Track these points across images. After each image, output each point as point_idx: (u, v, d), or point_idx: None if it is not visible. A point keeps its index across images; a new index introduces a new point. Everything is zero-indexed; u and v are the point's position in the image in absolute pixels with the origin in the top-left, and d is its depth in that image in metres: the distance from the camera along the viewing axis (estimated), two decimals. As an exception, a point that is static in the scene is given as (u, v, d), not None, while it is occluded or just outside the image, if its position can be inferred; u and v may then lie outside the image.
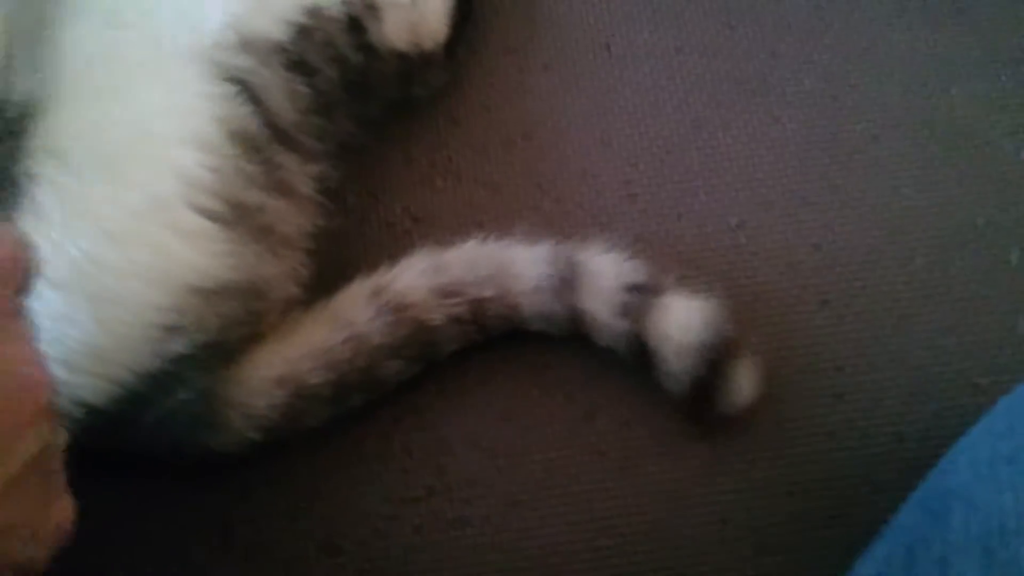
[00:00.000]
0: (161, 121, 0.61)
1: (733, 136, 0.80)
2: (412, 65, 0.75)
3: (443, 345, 0.69)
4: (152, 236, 0.60)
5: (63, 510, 0.50)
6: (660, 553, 0.69)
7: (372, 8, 0.71)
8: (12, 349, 0.44)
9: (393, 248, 0.76)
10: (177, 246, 0.60)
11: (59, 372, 0.58)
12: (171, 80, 0.62)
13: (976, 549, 0.47)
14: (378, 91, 0.74)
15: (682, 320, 0.67)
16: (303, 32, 0.67)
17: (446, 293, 0.67)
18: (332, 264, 0.74)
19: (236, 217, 0.62)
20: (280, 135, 0.65)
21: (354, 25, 0.70)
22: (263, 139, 0.64)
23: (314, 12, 0.68)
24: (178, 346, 0.60)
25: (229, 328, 0.63)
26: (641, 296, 0.67)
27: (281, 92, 0.66)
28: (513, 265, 0.68)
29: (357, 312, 0.67)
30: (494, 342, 0.72)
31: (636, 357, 0.68)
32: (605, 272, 0.68)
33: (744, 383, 0.68)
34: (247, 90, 0.63)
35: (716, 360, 0.67)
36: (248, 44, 0.64)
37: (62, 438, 0.49)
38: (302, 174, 0.67)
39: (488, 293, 0.68)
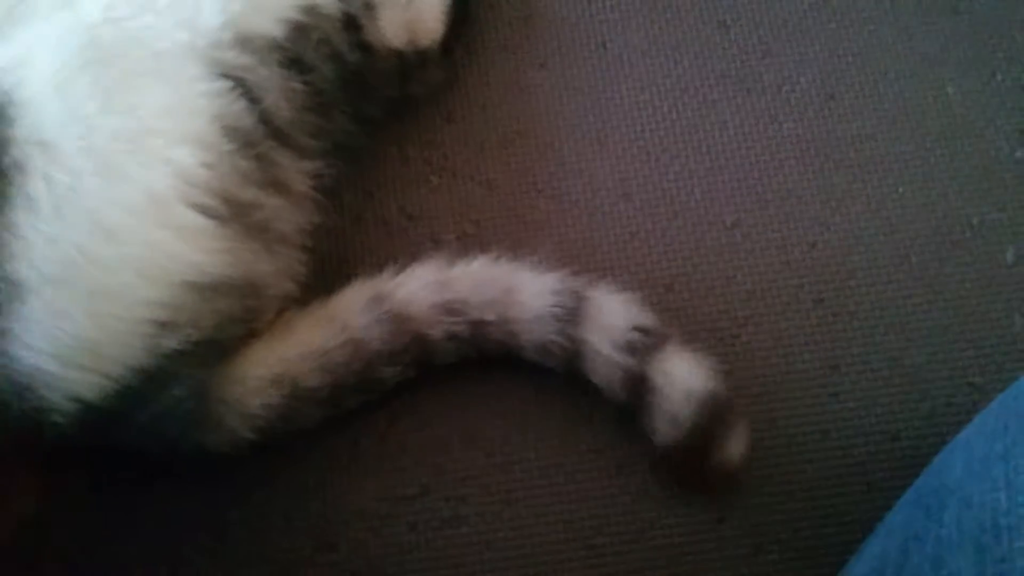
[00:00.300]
0: (156, 117, 0.61)
1: (728, 135, 0.80)
2: (408, 63, 0.75)
3: (439, 357, 0.69)
4: (147, 231, 0.60)
5: None
6: (656, 552, 0.69)
7: (368, 6, 0.72)
8: None
9: (389, 246, 0.77)
10: (172, 242, 0.60)
11: (53, 366, 0.58)
12: (167, 76, 0.62)
13: (969, 546, 0.47)
14: (374, 89, 0.74)
15: (691, 367, 0.67)
16: (299, 30, 0.67)
17: (448, 310, 0.67)
18: (328, 261, 0.74)
19: (232, 214, 0.62)
20: (276, 132, 0.65)
21: (350, 23, 0.70)
22: (259, 136, 0.64)
23: (310, 10, 0.68)
24: (172, 342, 0.60)
25: (224, 325, 0.63)
26: (648, 338, 0.67)
27: (277, 89, 0.65)
28: (519, 292, 0.68)
29: (356, 316, 0.67)
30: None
31: (630, 395, 0.68)
32: (613, 310, 0.68)
33: (740, 442, 0.68)
34: (243, 87, 0.63)
35: (719, 413, 0.66)
36: (245, 41, 0.64)
37: None
38: (298, 171, 0.67)
39: (490, 317, 0.67)
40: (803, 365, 0.74)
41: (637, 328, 0.67)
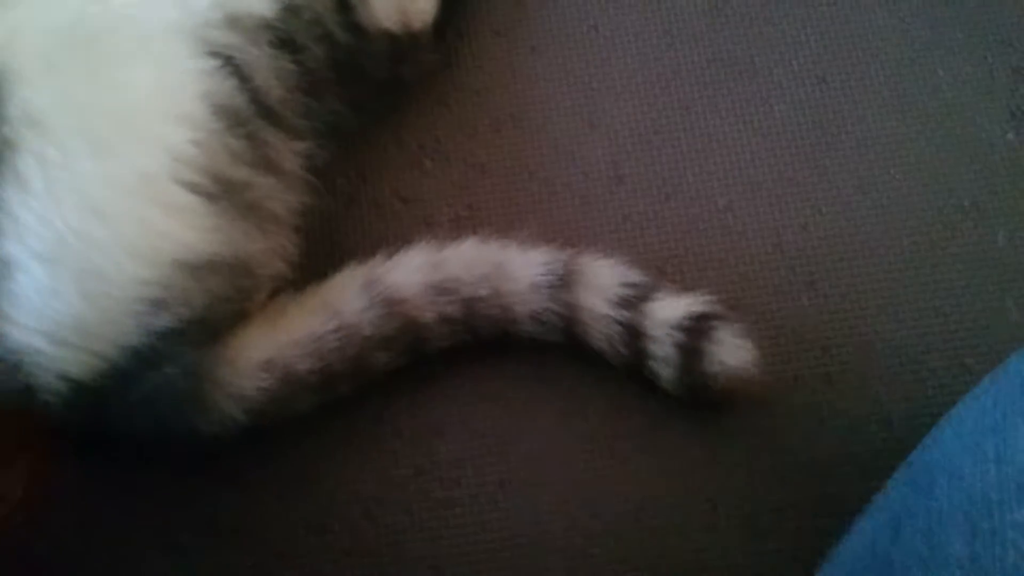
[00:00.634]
0: (146, 95, 0.61)
1: (721, 118, 0.80)
2: (401, 46, 0.75)
3: (432, 342, 0.69)
4: (138, 210, 0.60)
5: None
6: (649, 536, 0.69)
7: (361, -13, 0.71)
8: None
9: (382, 229, 0.77)
10: (163, 220, 0.60)
11: (43, 345, 0.58)
12: (158, 55, 0.62)
13: (959, 518, 0.47)
14: (366, 71, 0.74)
15: (672, 304, 0.68)
16: (291, 10, 0.67)
17: (440, 290, 0.67)
18: (321, 245, 0.74)
19: (222, 192, 0.62)
20: (267, 112, 0.65)
21: (343, 4, 0.70)
22: (249, 115, 0.64)
23: (302, -10, 0.68)
24: (164, 321, 0.60)
25: (216, 304, 0.63)
26: (637, 291, 0.68)
27: (268, 69, 0.65)
28: (510, 265, 0.68)
29: (348, 301, 0.67)
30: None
31: (630, 350, 0.68)
32: (602, 271, 0.68)
33: (736, 348, 0.68)
34: (233, 66, 0.63)
35: (702, 329, 0.67)
36: (235, 21, 0.64)
37: None
38: (289, 151, 0.67)
39: (482, 292, 0.67)
40: (795, 347, 0.74)
41: (627, 283, 0.68)
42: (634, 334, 0.67)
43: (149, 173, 0.60)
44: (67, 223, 0.58)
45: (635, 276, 0.69)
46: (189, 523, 0.69)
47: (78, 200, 0.59)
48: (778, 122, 0.80)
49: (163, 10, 0.62)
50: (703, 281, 0.75)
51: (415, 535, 0.69)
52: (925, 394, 0.72)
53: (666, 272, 0.75)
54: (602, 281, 0.68)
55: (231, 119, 0.62)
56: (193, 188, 0.60)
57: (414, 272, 0.68)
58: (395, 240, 0.74)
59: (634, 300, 0.67)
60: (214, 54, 0.63)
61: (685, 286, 0.74)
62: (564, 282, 0.68)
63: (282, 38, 0.66)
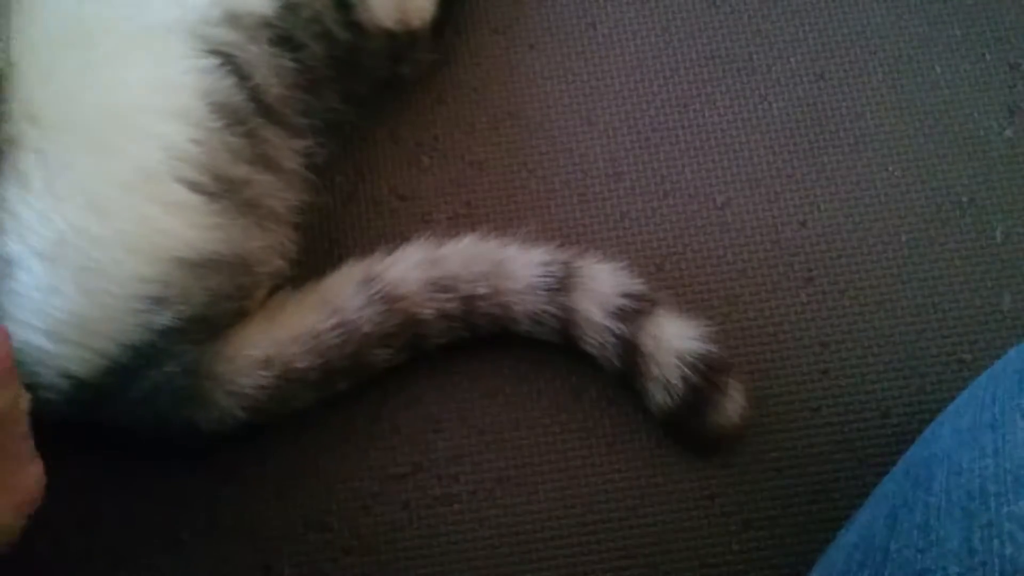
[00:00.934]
0: (147, 93, 0.61)
1: (719, 115, 0.80)
2: (399, 43, 0.75)
3: (431, 339, 0.69)
4: (138, 207, 0.60)
5: (29, 476, 0.50)
6: (647, 528, 0.69)
7: (359, -15, 0.72)
8: None
9: (380, 226, 0.77)
10: (163, 218, 0.60)
11: (44, 342, 0.58)
12: (157, 53, 0.62)
13: (957, 511, 0.47)
14: (365, 69, 0.74)
15: (680, 331, 0.67)
16: (290, 8, 0.67)
17: (439, 287, 0.67)
18: (320, 242, 0.75)
19: (222, 190, 0.62)
20: (265, 110, 0.65)
21: (341, 2, 0.70)
22: (248, 113, 0.64)
23: (301, -12, 0.68)
24: (164, 319, 0.60)
25: (215, 302, 0.63)
26: (637, 303, 0.67)
27: (267, 67, 0.65)
28: (509, 264, 0.68)
29: (347, 298, 0.67)
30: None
31: (623, 362, 0.68)
32: (602, 277, 0.68)
33: (737, 403, 0.68)
34: (233, 64, 0.63)
35: (711, 375, 0.67)
36: (234, 18, 0.64)
37: (24, 402, 0.49)
38: (288, 149, 0.67)
39: (481, 290, 0.67)
40: (793, 343, 0.74)
41: (626, 294, 0.67)
42: (630, 349, 0.67)
43: (149, 171, 0.60)
44: (67, 221, 0.58)
45: (636, 286, 0.69)
46: (189, 520, 0.69)
47: (78, 198, 0.59)
48: (776, 119, 0.80)
49: (163, 8, 0.63)
50: (701, 278, 0.75)
51: (414, 531, 0.69)
52: (923, 389, 0.73)
53: (664, 268, 0.75)
54: (601, 288, 0.68)
55: (230, 117, 0.62)
56: (193, 186, 0.60)
57: (413, 268, 0.68)
58: (393, 237, 0.75)
59: (633, 313, 0.67)
60: (213, 52, 0.63)
61: (683, 283, 0.75)
62: (563, 285, 0.68)
63: (281, 36, 0.66)
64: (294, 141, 0.67)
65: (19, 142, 0.58)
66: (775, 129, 0.80)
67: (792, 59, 0.82)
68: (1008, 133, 0.80)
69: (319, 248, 0.74)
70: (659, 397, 0.67)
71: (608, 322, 0.67)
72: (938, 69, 0.82)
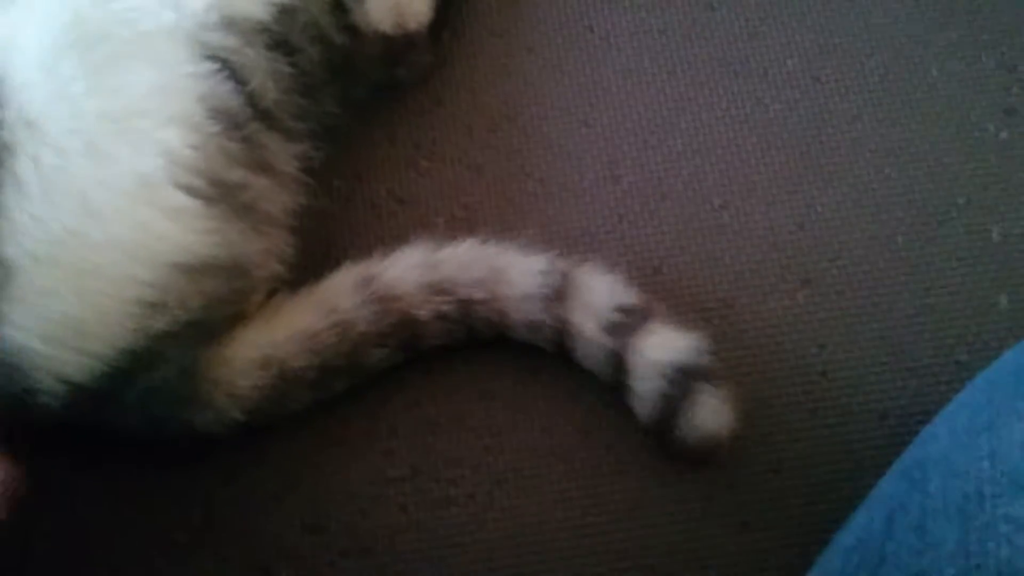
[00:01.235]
0: (143, 98, 0.61)
1: (716, 117, 0.80)
2: (396, 47, 0.76)
3: (428, 339, 0.69)
4: (135, 212, 0.60)
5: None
6: (645, 529, 0.69)
7: (356, -10, 0.72)
8: None
9: (378, 230, 0.77)
10: (160, 223, 0.60)
11: (40, 347, 0.58)
12: (154, 58, 0.62)
13: (953, 513, 0.47)
14: (362, 72, 0.74)
15: (661, 344, 0.67)
16: (286, 12, 0.67)
17: (436, 290, 0.67)
18: (317, 246, 0.74)
19: (219, 194, 0.62)
20: (263, 114, 0.65)
21: (338, 6, 0.71)
22: (245, 117, 0.64)
23: (297, -7, 0.68)
24: (160, 323, 0.60)
25: (212, 306, 0.63)
26: (630, 318, 0.67)
27: (264, 72, 0.66)
28: (507, 271, 0.68)
29: (344, 298, 0.67)
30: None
31: (613, 376, 0.68)
32: (598, 289, 0.68)
33: (714, 413, 0.67)
34: (229, 69, 0.63)
35: (686, 384, 0.66)
36: (231, 23, 0.64)
37: None
38: (285, 153, 0.67)
39: (478, 295, 0.67)
40: (791, 345, 0.74)
41: (620, 308, 0.67)
42: (619, 365, 0.67)
43: (146, 176, 0.60)
44: (64, 225, 0.58)
45: (631, 298, 0.68)
46: (186, 523, 0.69)
47: (75, 203, 0.59)
48: (773, 121, 0.80)
49: (160, 13, 0.63)
50: (698, 280, 0.76)
51: (412, 533, 0.69)
52: (919, 390, 0.73)
53: (662, 271, 0.76)
54: (597, 300, 0.68)
55: (227, 121, 0.62)
56: (190, 190, 0.61)
57: (411, 270, 0.68)
58: (391, 240, 0.75)
59: (625, 327, 0.67)
60: (211, 57, 0.63)
61: (681, 285, 0.75)
62: (559, 295, 0.67)
63: (278, 40, 0.66)
64: (291, 145, 0.68)
65: (16, 147, 0.58)
66: (772, 131, 0.80)
67: (789, 61, 0.82)
68: (1004, 135, 0.80)
69: (316, 251, 0.74)
70: (639, 408, 0.68)
71: (600, 336, 0.67)
72: (934, 71, 0.82)
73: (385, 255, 0.70)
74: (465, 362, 0.72)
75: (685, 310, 0.74)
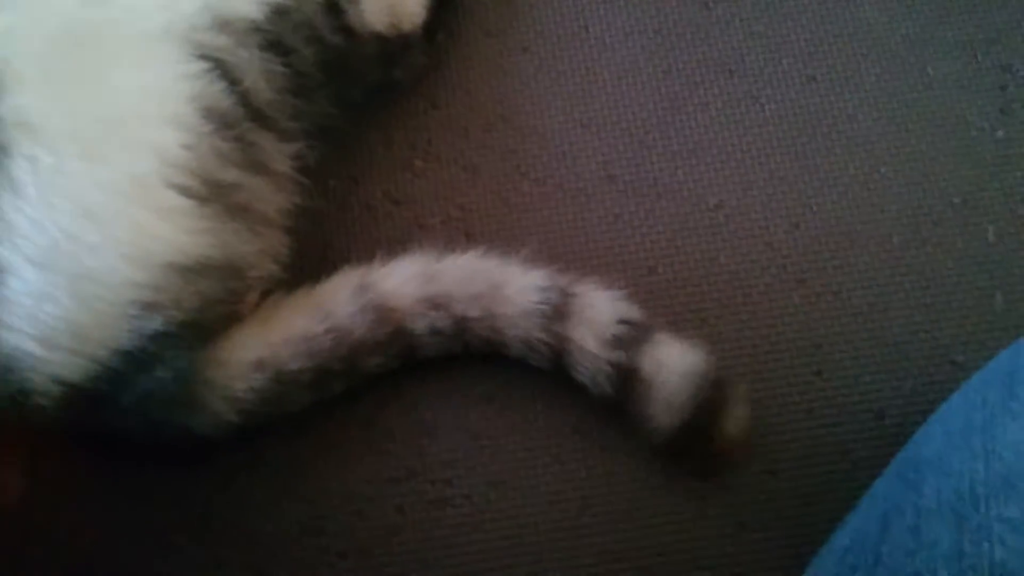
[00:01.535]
0: (137, 99, 0.61)
1: (711, 117, 0.80)
2: (391, 47, 0.75)
3: (422, 350, 0.69)
4: (129, 213, 0.60)
5: None
6: (641, 531, 0.69)
7: (350, -9, 0.72)
8: None
9: (374, 231, 0.77)
10: (154, 223, 0.60)
11: (36, 348, 0.58)
12: (147, 58, 0.62)
13: (948, 514, 0.47)
14: (357, 73, 0.74)
15: (682, 353, 0.67)
16: (280, 12, 0.67)
17: (432, 304, 0.67)
18: (313, 246, 0.74)
19: (212, 195, 0.62)
20: (256, 114, 0.65)
21: (332, 6, 0.70)
22: (239, 117, 0.64)
23: (290, -7, 0.68)
24: (156, 324, 0.60)
25: (208, 306, 0.63)
26: (634, 330, 0.67)
27: (257, 72, 0.65)
28: (505, 287, 0.68)
29: (341, 304, 0.67)
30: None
31: (618, 390, 0.67)
32: (598, 305, 0.68)
33: (740, 419, 0.68)
34: (222, 69, 0.63)
35: (714, 393, 0.67)
36: (224, 24, 0.64)
37: None
38: (279, 153, 0.67)
39: (474, 313, 0.67)
40: (786, 344, 0.74)
41: (623, 321, 0.67)
42: (629, 376, 0.66)
43: (140, 176, 0.60)
44: (59, 227, 0.58)
45: (632, 312, 0.68)
46: (183, 525, 0.69)
47: (70, 204, 0.59)
48: (768, 121, 0.80)
49: (153, 14, 0.62)
50: (694, 280, 0.76)
51: (408, 535, 0.69)
52: (915, 390, 0.73)
53: (657, 271, 0.76)
54: (598, 316, 0.67)
55: (221, 122, 0.62)
56: (184, 191, 0.60)
57: (408, 281, 0.68)
58: (387, 242, 0.75)
59: (630, 340, 0.66)
60: (204, 57, 0.63)
61: (676, 286, 0.75)
62: (558, 313, 0.67)
63: (271, 41, 0.66)
64: (285, 145, 0.67)
65: (11, 148, 0.58)
66: (767, 131, 0.80)
67: (784, 61, 0.82)
68: (1000, 134, 0.80)
69: (312, 252, 0.74)
70: (663, 418, 0.67)
71: (604, 351, 0.66)
72: (930, 70, 0.82)
73: (384, 260, 0.70)
74: (462, 366, 0.72)
75: (680, 310, 0.75)
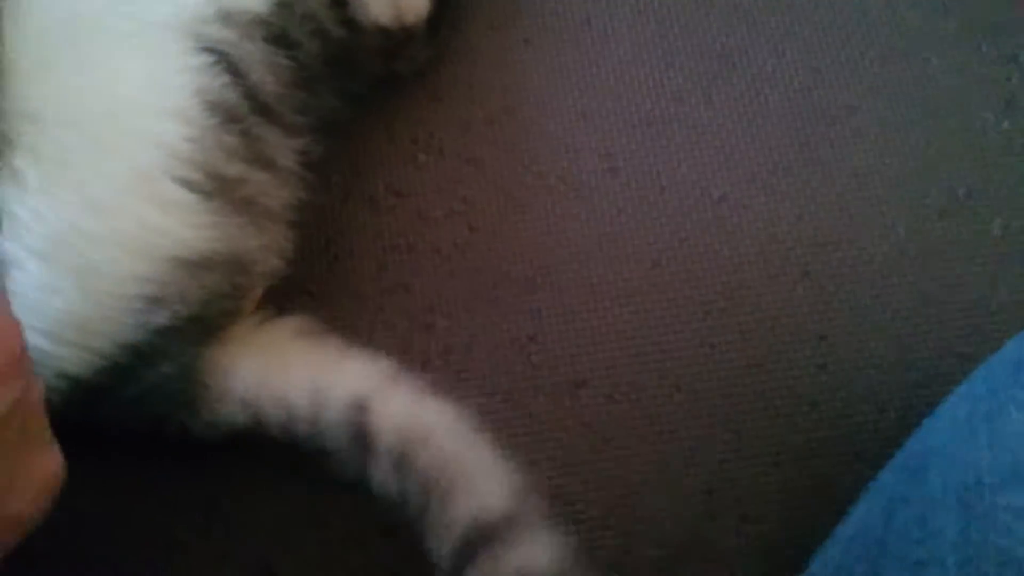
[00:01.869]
0: (142, 92, 0.61)
1: (714, 109, 0.80)
2: (394, 40, 0.75)
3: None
4: (134, 207, 0.60)
5: (48, 464, 0.50)
6: (645, 524, 0.69)
7: (354, -17, 0.71)
8: None
9: (377, 224, 0.77)
10: (159, 217, 0.60)
11: (41, 342, 0.58)
12: (151, 51, 0.62)
13: (953, 503, 0.47)
14: (360, 66, 0.74)
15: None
16: (284, 5, 0.66)
17: (406, 447, 0.63)
18: (316, 240, 0.75)
19: (217, 189, 0.62)
20: (261, 108, 0.65)
21: (336, -1, 0.70)
22: (243, 111, 0.63)
23: (295, -15, 0.68)
24: (160, 318, 0.60)
25: (212, 301, 0.63)
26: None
27: (262, 65, 0.65)
28: (472, 480, 0.63)
29: (332, 408, 0.64)
30: (479, 314, 0.73)
31: None
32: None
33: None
34: (227, 62, 0.63)
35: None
36: (229, 16, 0.64)
37: (38, 391, 0.49)
38: (284, 147, 0.67)
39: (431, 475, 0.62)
40: (790, 337, 0.74)
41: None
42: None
43: (144, 170, 0.60)
44: (64, 220, 0.58)
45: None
46: (187, 518, 0.69)
47: (74, 197, 0.59)
48: (772, 112, 0.80)
49: (157, 6, 0.62)
50: (698, 273, 0.75)
51: (410, 530, 0.69)
52: (920, 382, 0.73)
53: (660, 263, 0.75)
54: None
55: (225, 115, 0.62)
56: (188, 184, 0.60)
57: (402, 419, 0.64)
58: (390, 235, 0.75)
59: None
60: (208, 50, 0.63)
61: (680, 278, 0.75)
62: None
63: (276, 33, 0.66)
64: (290, 139, 0.67)
65: (14, 140, 0.58)
66: (771, 123, 0.80)
67: (787, 52, 0.82)
68: (1005, 125, 0.80)
69: (315, 246, 0.74)
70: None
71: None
72: (934, 61, 0.82)
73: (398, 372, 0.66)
74: (465, 354, 0.72)
75: (685, 303, 0.75)
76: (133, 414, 0.63)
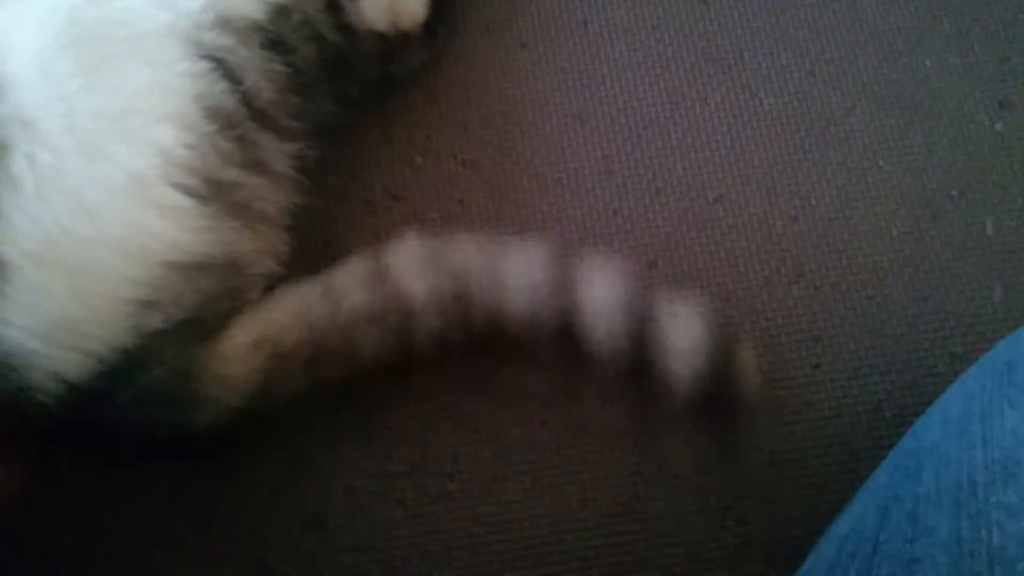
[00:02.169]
0: (138, 97, 0.61)
1: (710, 111, 0.81)
2: (390, 45, 0.76)
3: (420, 332, 0.67)
4: (129, 211, 0.60)
5: None
6: (642, 524, 0.70)
7: (350, -12, 0.72)
8: None
9: (374, 226, 0.77)
10: (154, 221, 0.60)
11: (35, 345, 0.58)
12: (148, 56, 0.62)
13: (946, 502, 0.47)
14: (357, 70, 0.74)
15: (692, 318, 0.67)
16: (281, 11, 0.67)
17: (437, 279, 0.66)
18: (313, 243, 0.75)
19: (213, 193, 0.62)
20: (257, 114, 0.65)
21: (332, 4, 0.71)
22: (240, 117, 0.64)
23: (291, -8, 0.68)
24: (155, 321, 0.60)
25: (207, 305, 0.63)
26: (643, 299, 0.66)
27: (258, 71, 0.66)
28: (510, 262, 0.67)
29: (338, 274, 0.66)
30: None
31: (631, 360, 0.66)
32: (606, 277, 0.67)
33: (753, 375, 0.68)
34: (224, 68, 0.64)
35: (727, 354, 0.67)
36: (226, 23, 0.64)
37: None
38: (279, 152, 0.67)
39: (478, 285, 0.66)
40: (785, 337, 0.74)
41: (631, 291, 0.66)
42: (644, 324, 0.66)
43: (140, 175, 0.60)
44: (59, 224, 0.58)
45: (635, 282, 0.67)
46: (185, 519, 0.69)
47: (70, 201, 0.59)
48: (767, 115, 0.80)
49: (155, 12, 0.63)
50: (693, 274, 0.76)
51: (410, 529, 0.69)
52: (914, 381, 0.73)
53: (657, 265, 0.76)
54: (604, 289, 0.66)
55: (222, 121, 0.63)
56: (184, 189, 0.61)
57: (408, 254, 0.67)
58: (387, 237, 0.75)
59: (640, 305, 0.66)
60: (206, 56, 0.63)
61: (676, 279, 0.76)
62: (565, 284, 0.66)
63: (272, 40, 0.66)
64: (286, 144, 0.68)
65: (11, 145, 0.58)
66: (766, 125, 0.80)
67: (783, 55, 0.82)
68: (998, 126, 0.80)
69: (312, 249, 0.74)
70: (682, 384, 0.66)
71: (615, 321, 0.65)
72: (928, 63, 0.82)
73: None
74: (463, 359, 0.72)
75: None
76: (129, 416, 0.64)
